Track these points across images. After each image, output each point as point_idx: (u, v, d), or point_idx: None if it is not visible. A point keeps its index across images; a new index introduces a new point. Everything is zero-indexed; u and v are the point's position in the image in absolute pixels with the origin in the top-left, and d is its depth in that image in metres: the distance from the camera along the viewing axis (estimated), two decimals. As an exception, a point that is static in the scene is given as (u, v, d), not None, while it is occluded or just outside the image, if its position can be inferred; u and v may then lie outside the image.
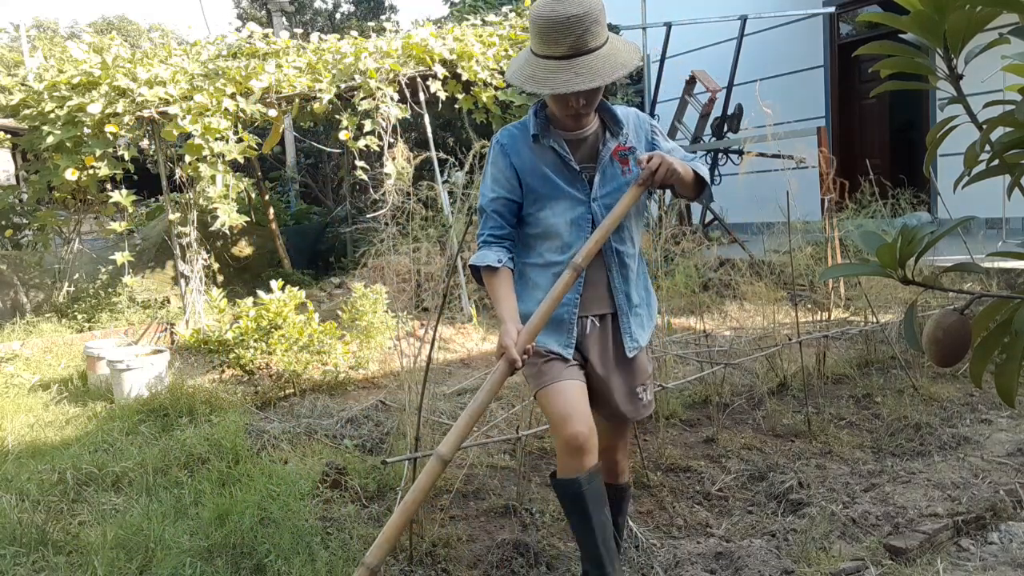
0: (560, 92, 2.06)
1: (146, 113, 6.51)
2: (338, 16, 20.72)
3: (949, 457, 3.38)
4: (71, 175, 6.41)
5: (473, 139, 4.14)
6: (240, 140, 6.59)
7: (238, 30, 7.99)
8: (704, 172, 2.29)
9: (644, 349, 2.35)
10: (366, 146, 6.95)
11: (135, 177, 7.36)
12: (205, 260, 6.89)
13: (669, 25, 9.48)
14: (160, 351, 5.27)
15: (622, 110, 2.30)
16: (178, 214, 6.71)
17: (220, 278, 8.61)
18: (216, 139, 6.42)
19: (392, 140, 6.94)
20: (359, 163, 6.96)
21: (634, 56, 2.12)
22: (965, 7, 1.07)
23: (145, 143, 7.16)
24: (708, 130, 9.40)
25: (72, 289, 7.58)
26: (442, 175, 7.47)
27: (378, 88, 7.03)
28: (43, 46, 13.75)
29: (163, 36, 27.11)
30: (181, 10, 58.93)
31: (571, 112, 2.16)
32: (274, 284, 5.43)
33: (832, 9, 9.83)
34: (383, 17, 19.78)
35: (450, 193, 6.78)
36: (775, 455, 3.58)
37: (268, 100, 6.88)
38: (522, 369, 2.09)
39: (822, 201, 5.93)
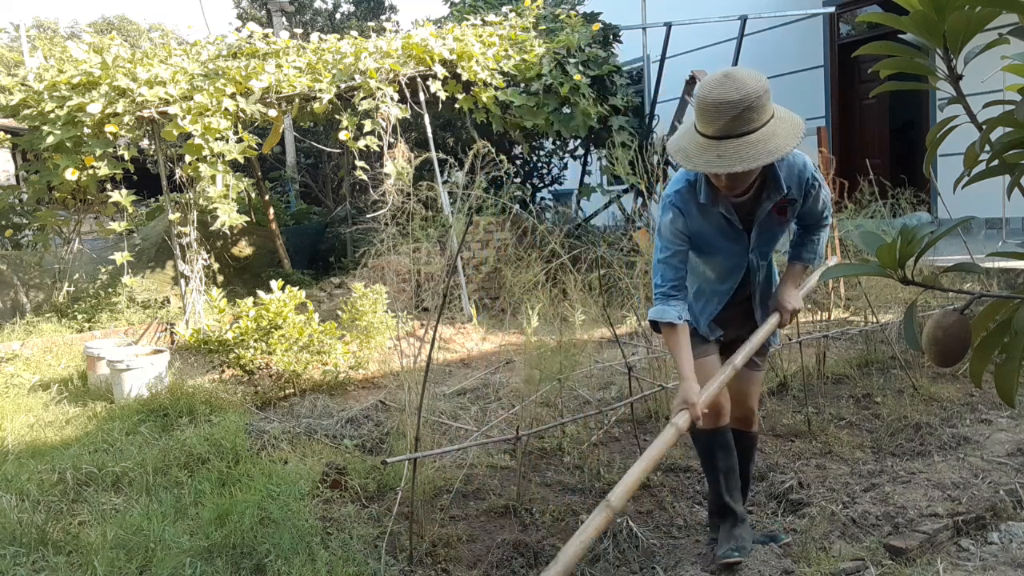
0: (701, 171, 2.21)
1: (146, 113, 6.51)
2: (338, 16, 20.71)
3: (949, 457, 3.38)
4: (71, 175, 6.40)
5: (476, 139, 4.14)
6: (240, 140, 6.59)
7: (238, 30, 7.98)
8: (822, 246, 2.65)
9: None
10: (366, 146, 6.95)
11: (135, 177, 7.36)
12: (205, 260, 6.89)
13: (669, 25, 9.47)
14: (160, 351, 5.27)
15: (787, 167, 2.38)
16: (178, 214, 6.71)
17: (220, 278, 8.62)
18: (216, 139, 6.42)
19: (392, 140, 6.94)
20: (359, 163, 6.96)
21: (791, 140, 2.17)
22: (965, 7, 1.07)
23: (145, 143, 7.16)
24: (708, 130, 9.37)
25: (72, 289, 7.57)
26: (442, 175, 7.47)
27: (378, 88, 7.03)
28: (43, 46, 13.75)
29: (163, 36, 27.12)
30: (181, 10, 58.92)
31: (720, 184, 2.30)
32: (274, 284, 5.43)
33: (832, 9, 9.83)
34: (383, 17, 19.77)
35: (450, 193, 6.79)
36: (775, 455, 3.58)
37: (268, 100, 6.88)
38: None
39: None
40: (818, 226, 2.59)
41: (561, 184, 11.52)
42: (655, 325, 2.50)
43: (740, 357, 2.42)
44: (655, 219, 2.59)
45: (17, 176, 9.10)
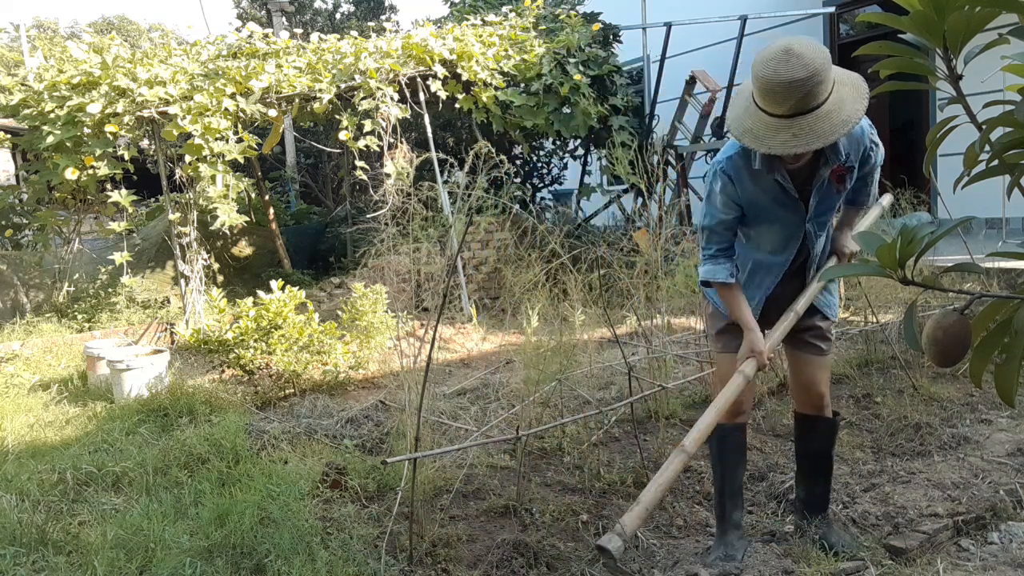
0: (779, 152, 2.13)
1: (146, 113, 6.51)
2: (338, 16, 20.71)
3: (949, 457, 3.38)
4: (71, 175, 6.40)
5: (478, 138, 4.14)
6: (240, 140, 6.59)
7: (238, 30, 7.98)
8: (875, 186, 2.58)
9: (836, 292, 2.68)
10: (366, 146, 6.95)
11: (135, 177, 7.35)
12: (205, 260, 6.89)
13: (669, 25, 9.48)
14: (160, 351, 5.27)
15: (846, 136, 2.27)
16: (178, 214, 6.71)
17: (220, 278, 8.61)
18: (216, 139, 6.42)
19: (392, 140, 6.94)
20: (359, 163, 6.96)
21: (859, 105, 2.12)
22: (965, 7, 1.07)
23: (145, 143, 7.16)
24: (708, 130, 9.40)
25: (72, 289, 7.57)
26: (442, 175, 7.47)
27: (378, 88, 7.03)
28: (43, 46, 13.75)
29: (163, 36, 27.12)
30: (181, 10, 58.92)
31: (790, 160, 2.25)
32: (274, 284, 5.43)
33: (832, 9, 9.83)
34: (383, 17, 19.78)
35: (450, 193, 6.78)
36: (775, 455, 3.58)
37: (268, 100, 6.88)
38: (713, 325, 2.65)
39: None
40: (871, 173, 2.51)
41: (561, 184, 11.52)
42: (706, 284, 2.54)
43: (802, 302, 2.44)
44: (705, 187, 2.53)
45: (17, 176, 9.10)
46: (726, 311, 2.55)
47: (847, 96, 2.12)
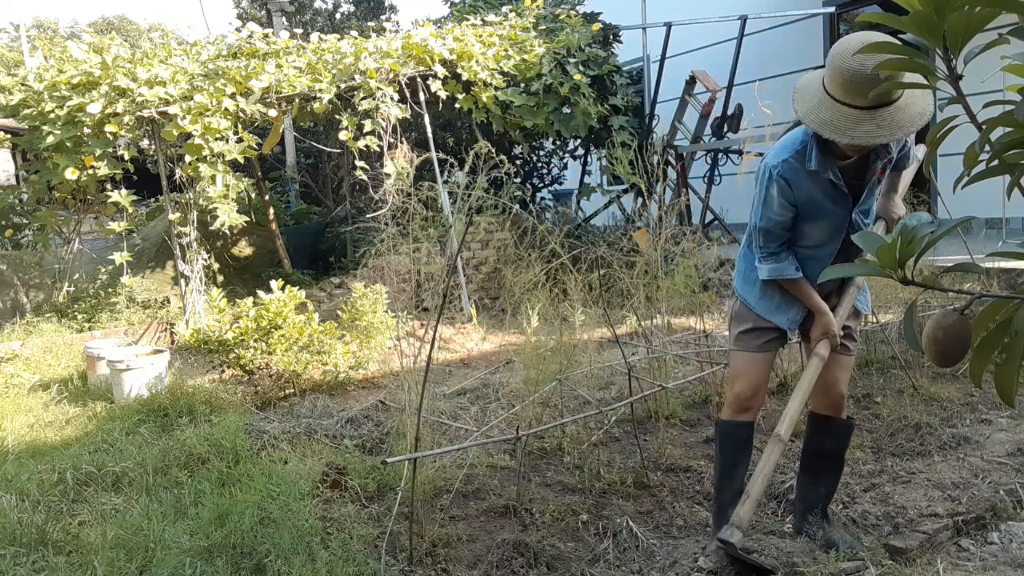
0: (860, 143, 2.17)
1: (146, 113, 6.51)
2: (338, 16, 20.71)
3: (949, 457, 3.38)
4: (71, 175, 6.40)
5: (478, 138, 4.14)
6: (240, 140, 6.59)
7: (238, 30, 7.98)
8: (913, 147, 2.58)
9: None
10: (366, 146, 6.95)
11: (135, 177, 7.36)
12: (205, 260, 6.89)
13: (669, 25, 9.48)
14: (160, 351, 5.27)
15: None
16: (178, 214, 6.71)
17: (220, 278, 8.61)
18: (216, 139, 6.42)
19: (392, 140, 6.94)
20: (359, 163, 6.96)
21: (928, 102, 2.18)
22: (964, 7, 1.07)
23: (145, 143, 7.16)
24: (708, 130, 9.40)
25: (72, 289, 7.57)
26: (442, 175, 7.47)
27: (378, 88, 7.03)
28: (43, 46, 13.75)
29: (163, 36, 27.13)
30: (181, 10, 58.93)
31: (851, 151, 2.29)
32: (274, 284, 5.43)
33: (832, 9, 9.82)
34: (383, 17, 19.77)
35: (450, 193, 6.78)
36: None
37: (268, 100, 6.88)
38: (738, 324, 2.66)
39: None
40: (906, 157, 2.57)
41: (561, 184, 11.52)
42: (775, 280, 2.58)
43: (843, 311, 2.51)
44: (759, 190, 2.57)
45: (17, 176, 9.10)
46: (758, 310, 2.62)
47: (917, 93, 2.18)
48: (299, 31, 8.98)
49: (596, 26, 8.82)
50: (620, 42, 9.45)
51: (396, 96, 7.18)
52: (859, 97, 2.13)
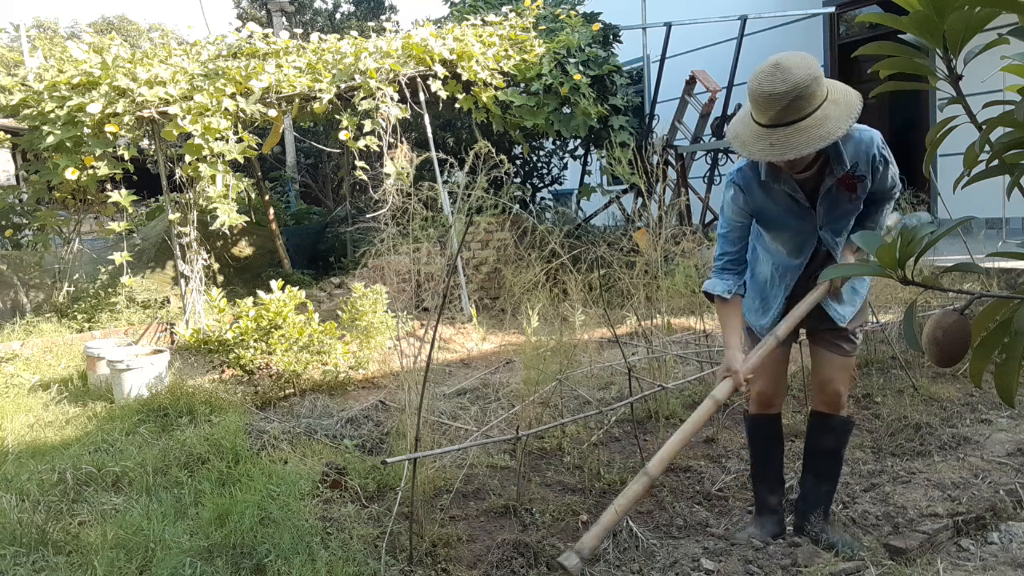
0: (756, 158, 2.28)
1: (146, 113, 6.50)
2: (338, 16, 20.72)
3: (949, 457, 3.38)
4: (71, 175, 6.40)
5: (478, 138, 4.14)
6: (240, 140, 6.59)
7: (238, 30, 7.97)
8: (884, 216, 2.60)
9: (861, 300, 2.69)
10: (366, 146, 6.95)
11: (135, 177, 7.35)
12: (205, 260, 6.89)
13: (669, 25, 9.48)
14: (160, 351, 5.27)
15: (854, 144, 2.38)
16: (178, 214, 6.70)
17: (220, 278, 8.61)
18: (216, 139, 6.42)
19: (392, 140, 6.94)
20: (359, 163, 6.95)
21: (842, 123, 2.19)
22: (964, 7, 1.07)
23: (145, 143, 7.15)
24: (708, 130, 9.41)
25: (72, 289, 7.57)
26: (442, 175, 7.47)
27: (378, 88, 7.03)
28: (43, 46, 13.75)
29: (163, 36, 27.14)
30: (181, 10, 58.96)
31: (796, 169, 2.35)
32: (274, 284, 5.43)
33: (832, 9, 9.83)
34: (383, 17, 19.73)
35: (450, 193, 6.78)
36: (775, 455, 3.58)
37: (268, 100, 6.87)
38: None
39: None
40: (883, 200, 2.57)
41: (561, 184, 11.52)
42: (708, 295, 2.63)
43: (783, 327, 2.48)
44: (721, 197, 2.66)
45: (17, 176, 9.10)
46: (745, 313, 2.69)
47: (833, 114, 2.19)
48: (299, 31, 8.98)
49: (596, 26, 8.82)
50: (620, 42, 9.45)
51: (396, 96, 7.18)
52: (760, 114, 2.22)
